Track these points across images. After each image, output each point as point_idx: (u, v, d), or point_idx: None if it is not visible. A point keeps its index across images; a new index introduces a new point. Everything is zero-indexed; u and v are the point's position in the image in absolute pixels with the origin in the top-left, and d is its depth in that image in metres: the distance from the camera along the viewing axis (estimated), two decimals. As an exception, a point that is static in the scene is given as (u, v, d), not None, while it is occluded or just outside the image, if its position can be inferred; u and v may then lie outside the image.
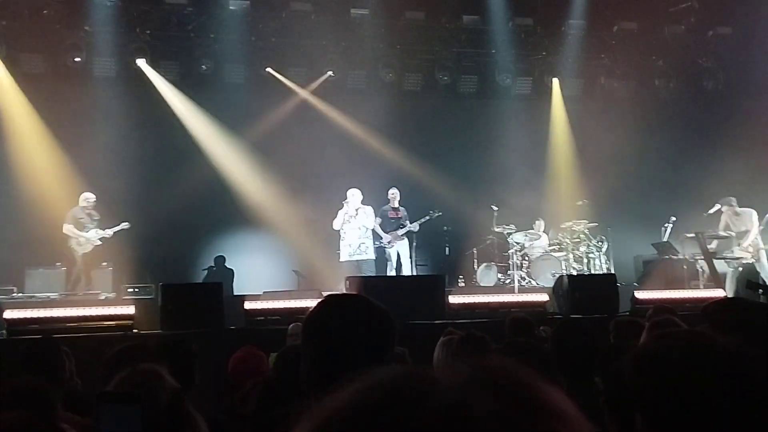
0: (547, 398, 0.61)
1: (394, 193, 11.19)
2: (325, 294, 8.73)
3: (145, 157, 11.60)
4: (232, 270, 11.96)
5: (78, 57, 11.69)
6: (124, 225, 10.61)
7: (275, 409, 2.74)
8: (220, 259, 12.11)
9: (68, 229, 10.46)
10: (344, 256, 10.55)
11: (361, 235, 10.51)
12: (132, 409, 1.73)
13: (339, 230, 10.60)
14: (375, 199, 11.12)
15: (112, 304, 8.41)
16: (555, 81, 13.46)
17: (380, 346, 1.70)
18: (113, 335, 7.07)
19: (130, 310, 7.73)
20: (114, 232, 10.59)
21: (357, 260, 10.44)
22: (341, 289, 10.06)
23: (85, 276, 10.46)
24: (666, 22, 13.35)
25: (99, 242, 10.60)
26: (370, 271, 10.45)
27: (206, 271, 12.03)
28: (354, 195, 10.52)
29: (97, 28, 11.78)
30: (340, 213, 10.54)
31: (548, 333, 5.32)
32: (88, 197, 10.64)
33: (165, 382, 2.34)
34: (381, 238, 11.05)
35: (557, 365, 3.35)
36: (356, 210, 10.48)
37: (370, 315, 1.74)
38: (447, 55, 13.31)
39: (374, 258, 10.72)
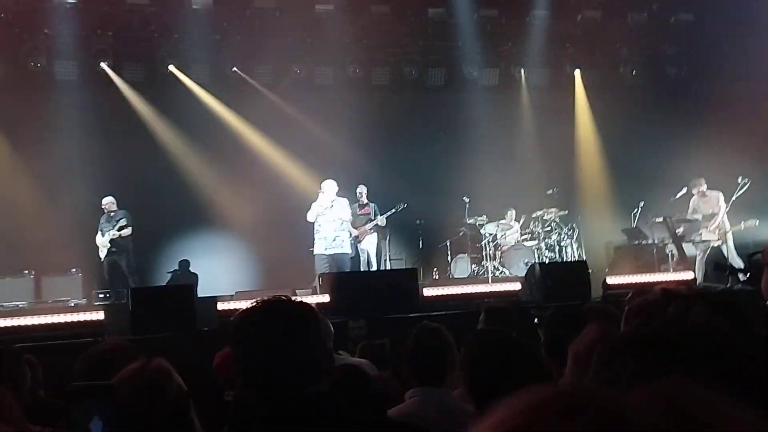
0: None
1: (361, 191, 11.14)
2: (298, 291, 8.63)
3: (107, 161, 11.42)
4: (196, 274, 11.78)
5: (39, 61, 11.49)
6: (122, 222, 10.56)
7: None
8: (185, 263, 11.93)
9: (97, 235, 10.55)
10: (319, 249, 10.20)
11: (337, 227, 10.16)
12: (106, 401, 1.69)
13: (314, 223, 10.27)
14: (348, 195, 11.04)
15: (81, 310, 8.27)
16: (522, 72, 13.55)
17: (303, 344, 1.77)
18: (83, 342, 6.95)
19: (100, 316, 7.62)
20: (120, 232, 10.48)
21: (332, 254, 10.12)
22: (315, 285, 10.04)
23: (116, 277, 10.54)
24: (629, 9, 13.47)
25: (109, 245, 10.52)
26: (346, 265, 10.22)
27: (170, 275, 11.89)
28: (329, 186, 10.22)
29: (58, 31, 11.57)
30: (314, 205, 10.22)
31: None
32: (104, 201, 10.60)
33: (173, 381, 2.26)
34: (351, 234, 11.05)
35: (549, 354, 3.36)
36: (331, 202, 10.18)
37: (288, 316, 1.80)
38: (414, 48, 13.31)
39: (350, 252, 10.46)
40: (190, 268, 11.93)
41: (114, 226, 10.50)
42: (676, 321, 1.23)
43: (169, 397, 2.19)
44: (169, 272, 11.94)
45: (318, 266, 10.07)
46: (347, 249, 10.31)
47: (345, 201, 10.36)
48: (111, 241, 10.48)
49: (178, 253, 12.05)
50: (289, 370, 1.72)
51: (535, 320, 5.72)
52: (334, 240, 10.13)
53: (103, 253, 10.57)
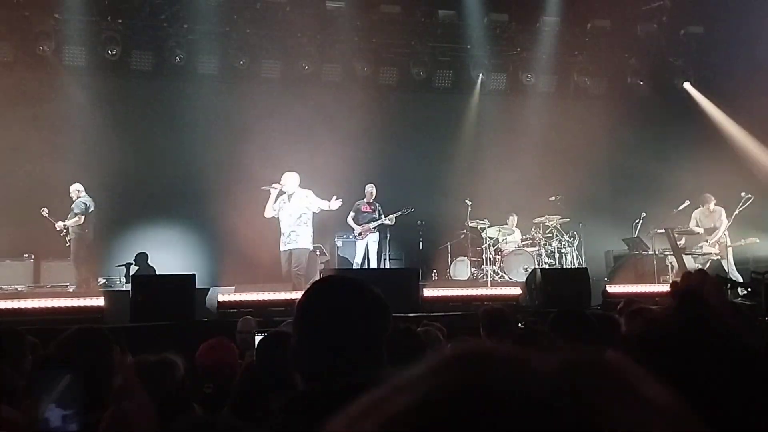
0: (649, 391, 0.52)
1: (370, 189, 11.14)
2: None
3: (110, 148, 11.38)
4: (153, 268, 11.17)
5: (47, 45, 11.48)
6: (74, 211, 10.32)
7: (257, 395, 2.72)
8: (143, 256, 11.26)
9: None
10: (281, 246, 9.59)
11: (293, 222, 9.43)
12: (75, 376, 1.68)
13: (277, 218, 9.65)
14: (352, 193, 11.03)
15: (82, 295, 8.27)
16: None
17: (372, 329, 1.69)
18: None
19: (100, 301, 7.62)
20: (65, 224, 10.23)
21: (289, 249, 9.45)
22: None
23: (76, 264, 10.26)
24: (638, 20, 13.49)
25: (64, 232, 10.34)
26: (302, 261, 9.46)
27: (122, 268, 10.99)
28: (289, 178, 9.55)
29: (68, 16, 11.57)
30: (270, 200, 9.60)
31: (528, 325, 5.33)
32: (70, 188, 10.39)
33: (179, 372, 2.49)
34: (353, 230, 11.06)
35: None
36: (289, 195, 9.50)
37: (362, 298, 1.72)
38: (422, 49, 13.31)
39: (309, 248, 9.68)
40: (149, 262, 11.29)
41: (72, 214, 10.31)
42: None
43: (176, 385, 2.30)
44: (118, 266, 11.06)
45: (283, 265, 9.53)
46: (304, 244, 9.51)
47: (309, 192, 9.64)
48: (66, 229, 10.23)
49: (170, 244, 11.91)
50: (346, 352, 1.62)
51: (519, 325, 5.73)
52: (289, 235, 9.47)
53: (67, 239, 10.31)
